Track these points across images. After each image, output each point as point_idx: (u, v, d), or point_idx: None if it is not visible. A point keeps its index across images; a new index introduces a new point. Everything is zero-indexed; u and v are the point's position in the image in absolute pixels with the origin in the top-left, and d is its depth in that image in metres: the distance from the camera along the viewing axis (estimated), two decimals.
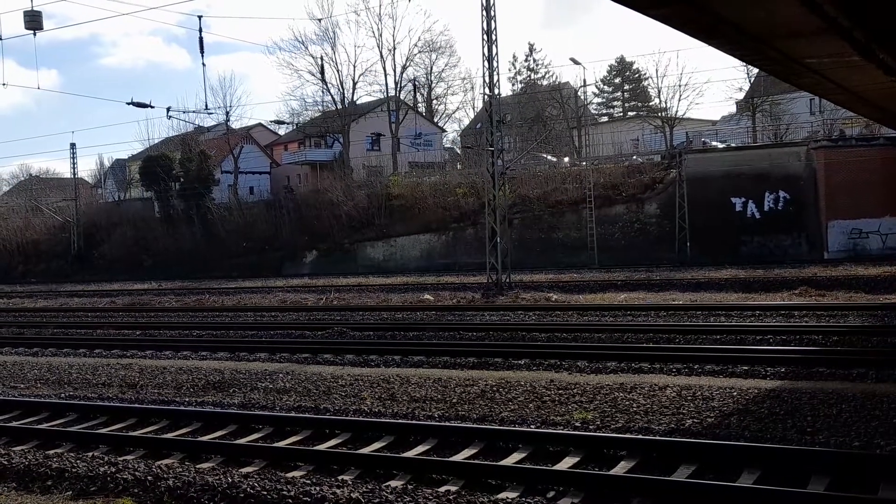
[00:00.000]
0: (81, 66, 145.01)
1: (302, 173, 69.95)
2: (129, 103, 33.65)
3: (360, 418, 9.71)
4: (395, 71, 66.21)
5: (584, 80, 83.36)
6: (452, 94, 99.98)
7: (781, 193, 39.87)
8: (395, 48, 67.53)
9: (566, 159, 56.95)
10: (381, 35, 67.89)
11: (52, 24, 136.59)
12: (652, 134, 59.65)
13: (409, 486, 7.04)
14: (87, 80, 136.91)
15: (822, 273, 27.92)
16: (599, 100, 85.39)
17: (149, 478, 7.38)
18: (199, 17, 38.43)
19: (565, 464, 7.66)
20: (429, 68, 69.91)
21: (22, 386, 13.63)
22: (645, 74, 78.24)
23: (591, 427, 8.95)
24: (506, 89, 74.60)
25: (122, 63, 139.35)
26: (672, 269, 35.20)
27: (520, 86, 78.06)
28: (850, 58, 13.95)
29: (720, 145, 48.32)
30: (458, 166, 61.38)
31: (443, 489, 6.94)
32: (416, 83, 71.25)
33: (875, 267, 29.38)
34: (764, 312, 18.69)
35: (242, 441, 9.04)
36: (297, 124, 71.89)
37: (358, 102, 68.29)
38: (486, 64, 29.62)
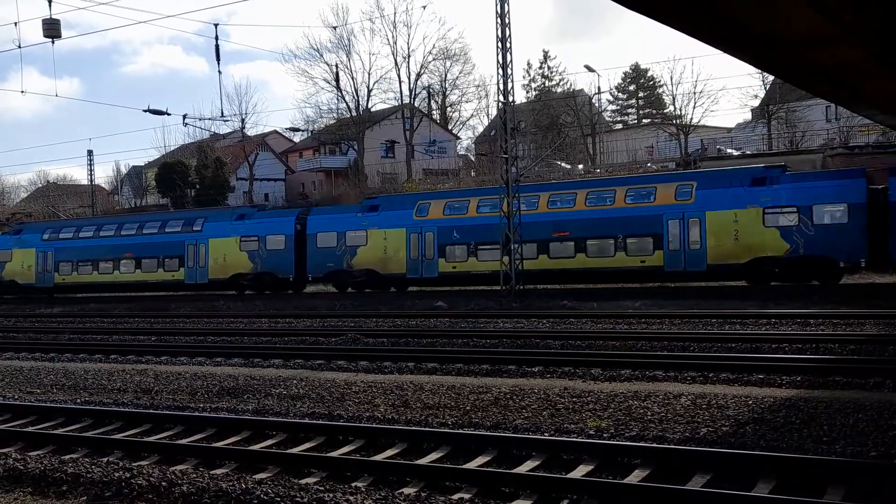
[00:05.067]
0: (102, 74, 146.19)
1: (317, 180, 70.23)
2: (145, 110, 33.96)
3: (374, 425, 9.70)
4: (409, 78, 66.50)
5: (599, 88, 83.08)
6: (467, 102, 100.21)
7: None
8: (409, 56, 68.00)
9: (580, 166, 56.90)
10: (395, 42, 68.31)
11: (73, 33, 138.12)
12: (667, 141, 59.47)
13: (423, 494, 7.02)
14: (107, 87, 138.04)
15: (838, 281, 27.70)
16: (614, 107, 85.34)
17: (163, 483, 7.41)
18: (216, 26, 38.64)
19: (579, 472, 7.63)
20: (443, 76, 70.11)
21: (38, 391, 13.71)
22: (660, 82, 78.07)
23: (605, 435, 8.91)
24: (520, 96, 74.82)
25: (143, 71, 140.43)
26: None
27: (534, 93, 78.09)
28: (867, 65, 13.90)
29: (735, 153, 48.18)
30: (473, 173, 61.44)
31: (456, 496, 6.93)
32: (431, 90, 71.40)
33: (892, 275, 29.15)
34: (780, 321, 18.58)
35: (256, 447, 9.05)
36: (312, 131, 72.21)
37: (372, 110, 68.62)
38: (500, 71, 29.69)
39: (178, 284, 38.28)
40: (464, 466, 7.85)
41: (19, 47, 37.53)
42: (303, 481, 7.47)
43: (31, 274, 41.86)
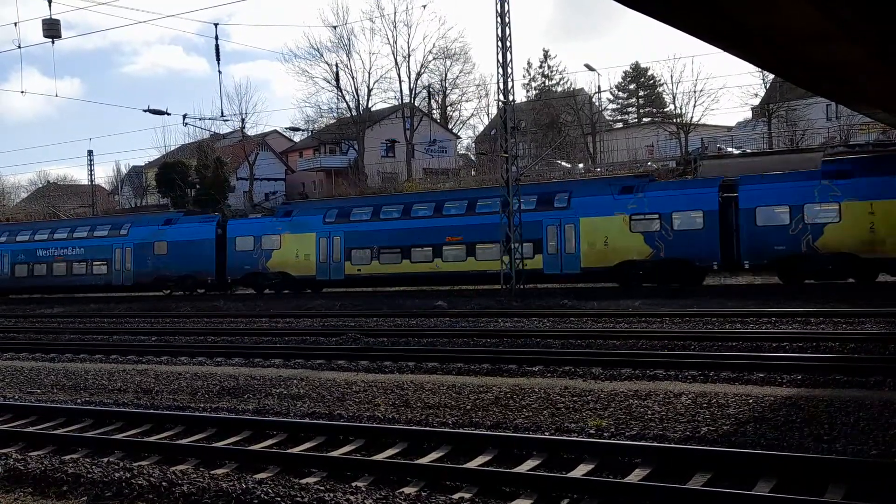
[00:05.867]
0: (103, 75, 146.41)
1: (317, 180, 70.26)
2: (145, 111, 34.04)
3: (374, 425, 9.70)
4: (409, 78, 66.56)
5: (599, 87, 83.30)
6: (467, 101, 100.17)
7: None
8: (409, 55, 68.15)
9: (581, 165, 56.89)
10: (395, 42, 68.59)
11: (73, 34, 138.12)
12: (667, 140, 59.46)
13: (423, 493, 7.02)
14: (108, 88, 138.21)
15: (839, 280, 27.68)
16: (614, 106, 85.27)
17: (163, 483, 7.41)
18: (216, 25, 38.72)
19: (580, 471, 7.62)
20: (443, 75, 70.19)
21: (38, 391, 13.71)
22: (660, 80, 77.98)
23: (605, 434, 8.91)
24: (520, 96, 74.71)
25: (143, 71, 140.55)
26: None
27: (534, 92, 78.06)
28: (867, 63, 13.89)
29: (735, 151, 48.13)
30: (473, 173, 61.42)
31: (457, 496, 6.93)
32: (431, 90, 71.46)
33: (892, 275, 29.12)
34: (780, 319, 18.57)
35: (256, 447, 9.05)
36: (312, 131, 72.23)
37: (373, 109, 68.65)
38: (500, 70, 29.69)
39: (531, 274, 30.46)
40: (464, 466, 7.84)
41: (19, 47, 37.64)
42: (303, 481, 7.47)
43: (310, 264, 34.88)
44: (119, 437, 9.85)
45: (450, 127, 75.15)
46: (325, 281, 35.01)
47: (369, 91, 66.62)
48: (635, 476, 7.38)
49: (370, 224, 33.85)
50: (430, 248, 32.58)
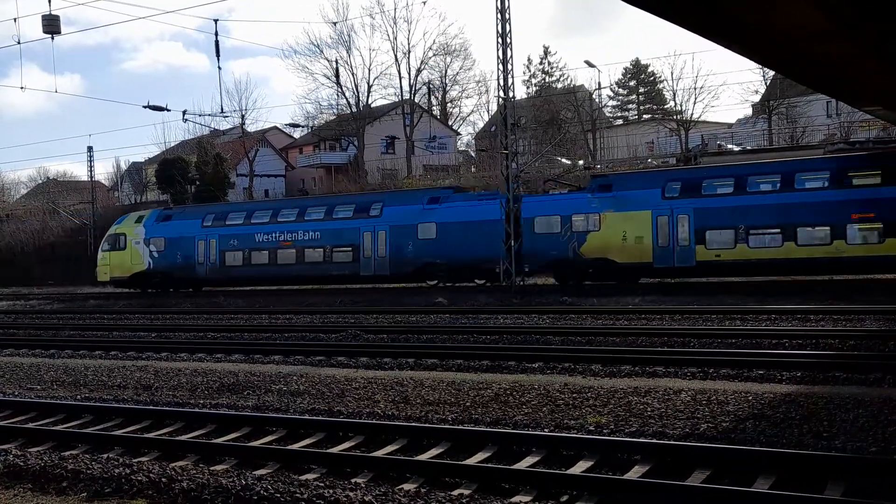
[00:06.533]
0: (103, 71, 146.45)
1: (317, 176, 70.28)
2: (145, 106, 33.94)
3: (374, 421, 9.71)
4: (409, 74, 66.54)
5: (599, 83, 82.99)
6: (467, 97, 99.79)
7: None
8: (409, 51, 67.95)
9: (581, 162, 56.84)
10: (395, 38, 68.47)
11: (73, 30, 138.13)
12: (667, 137, 59.42)
13: (423, 489, 7.03)
14: (108, 84, 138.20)
15: (839, 277, 27.70)
16: (614, 103, 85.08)
17: (163, 479, 7.42)
18: (216, 21, 38.85)
19: (579, 468, 7.63)
20: (443, 71, 70.10)
21: (38, 387, 13.72)
22: (660, 77, 77.79)
23: (605, 431, 8.91)
24: (520, 92, 74.58)
25: (143, 67, 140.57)
26: None
27: (534, 88, 77.87)
28: (867, 61, 13.89)
29: (736, 148, 48.08)
30: (473, 169, 61.40)
31: (456, 492, 6.93)
32: (431, 86, 71.43)
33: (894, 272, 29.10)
34: (779, 316, 18.57)
35: (256, 443, 9.06)
36: (312, 127, 72.19)
37: (373, 105, 68.55)
38: (500, 67, 29.71)
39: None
40: (464, 462, 7.84)
41: (19, 43, 37.64)
42: (303, 477, 7.47)
43: (644, 249, 28.50)
44: (119, 433, 9.85)
45: (450, 123, 75.10)
46: (667, 269, 28.70)
47: (369, 87, 66.63)
48: (635, 473, 7.39)
49: (732, 199, 27.22)
50: (828, 228, 25.99)
